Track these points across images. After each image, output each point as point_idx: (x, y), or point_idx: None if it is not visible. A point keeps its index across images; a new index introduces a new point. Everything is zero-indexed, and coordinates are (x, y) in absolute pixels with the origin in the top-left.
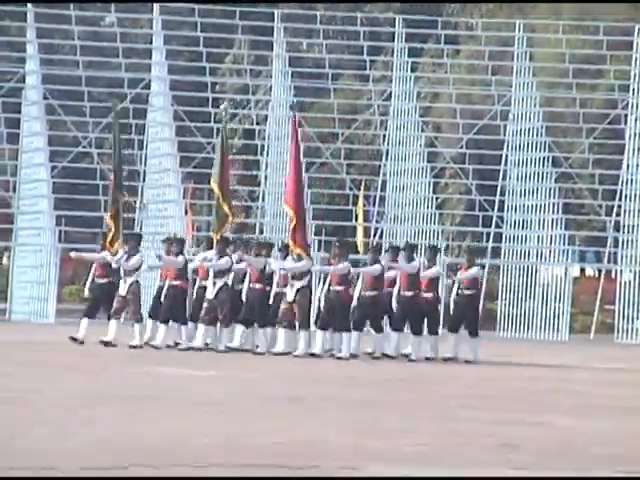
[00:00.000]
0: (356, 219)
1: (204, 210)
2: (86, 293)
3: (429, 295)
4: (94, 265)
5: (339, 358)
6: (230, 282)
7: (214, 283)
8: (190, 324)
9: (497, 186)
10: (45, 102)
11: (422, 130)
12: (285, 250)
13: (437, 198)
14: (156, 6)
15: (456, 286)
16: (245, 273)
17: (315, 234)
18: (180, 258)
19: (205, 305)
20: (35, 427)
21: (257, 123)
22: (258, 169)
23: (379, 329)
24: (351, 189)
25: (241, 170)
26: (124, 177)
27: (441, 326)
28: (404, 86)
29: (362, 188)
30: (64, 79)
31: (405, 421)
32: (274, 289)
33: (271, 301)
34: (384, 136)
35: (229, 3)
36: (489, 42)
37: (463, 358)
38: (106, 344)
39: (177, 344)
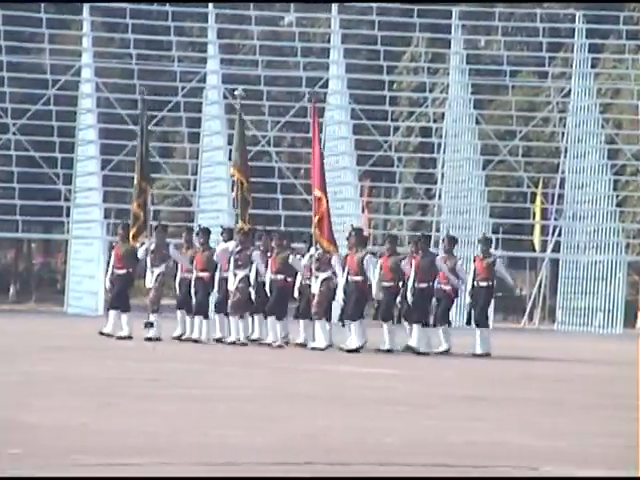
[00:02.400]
0: (534, 217)
1: (381, 208)
2: (107, 285)
3: (447, 287)
4: (112, 256)
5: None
6: (253, 274)
7: (235, 274)
8: (217, 317)
9: None
10: (225, 102)
11: (602, 127)
12: (310, 241)
13: (617, 195)
14: (334, 5)
15: (471, 277)
16: (266, 264)
17: (493, 232)
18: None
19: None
20: (218, 423)
21: (434, 121)
22: (435, 167)
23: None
24: (529, 187)
25: (417, 168)
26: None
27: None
28: (584, 82)
29: (540, 186)
30: (244, 78)
31: (583, 421)
32: (298, 281)
33: (296, 294)
34: (563, 133)
35: (407, 1)
36: None
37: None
38: (150, 339)
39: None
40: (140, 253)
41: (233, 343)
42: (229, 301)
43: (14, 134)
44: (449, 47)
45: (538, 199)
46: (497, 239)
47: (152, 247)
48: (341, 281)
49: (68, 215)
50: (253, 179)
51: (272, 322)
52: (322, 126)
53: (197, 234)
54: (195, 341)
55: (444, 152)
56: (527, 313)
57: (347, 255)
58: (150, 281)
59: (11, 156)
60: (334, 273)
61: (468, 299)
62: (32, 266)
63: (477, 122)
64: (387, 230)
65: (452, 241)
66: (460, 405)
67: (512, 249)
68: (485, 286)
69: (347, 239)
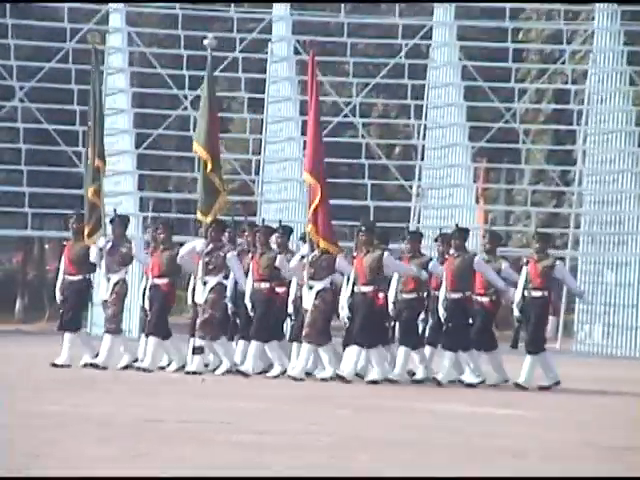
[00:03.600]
0: None
1: (501, 197)
2: (58, 296)
3: (485, 299)
4: (63, 259)
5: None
6: (230, 282)
7: (205, 282)
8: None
9: None
10: (297, 58)
11: None
12: (305, 239)
13: None
14: None
15: (521, 285)
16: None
17: None
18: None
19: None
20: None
21: (573, 81)
22: (573, 142)
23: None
24: None
25: (550, 144)
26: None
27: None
28: None
29: None
30: (321, 28)
31: None
32: (293, 292)
33: (290, 309)
34: None
35: None
36: None
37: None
38: (93, 365)
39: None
40: (92, 255)
41: (194, 373)
42: (198, 319)
43: (21, 101)
44: None
45: None
46: None
47: (108, 246)
48: (345, 291)
49: None
50: (333, 159)
51: (255, 347)
52: (424, 89)
53: (279, 233)
54: (144, 370)
55: (586, 122)
56: None
57: (353, 258)
58: (106, 291)
59: (18, 129)
60: (331, 283)
61: (516, 313)
62: (45, 273)
63: (632, 82)
64: (510, 226)
65: (495, 238)
66: (607, 458)
67: None
68: (539, 297)
69: (356, 236)
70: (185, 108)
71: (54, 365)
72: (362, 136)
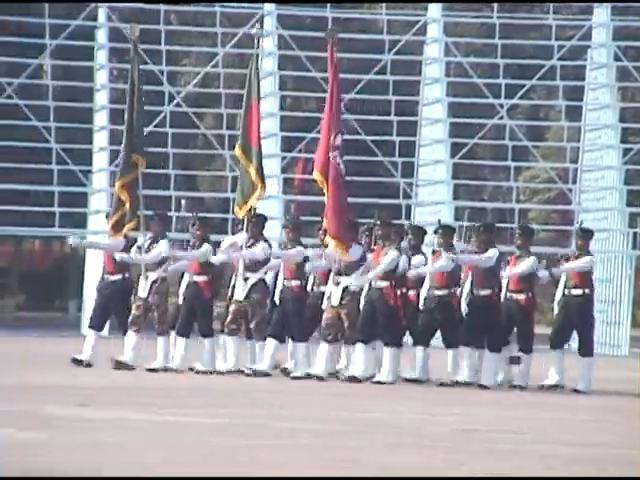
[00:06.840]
0: None
1: None
2: (95, 296)
3: (521, 297)
4: (104, 257)
5: (378, 382)
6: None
7: (246, 279)
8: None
9: None
10: (617, 64)
11: None
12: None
13: None
14: None
15: (562, 284)
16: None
17: None
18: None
19: (232, 308)
20: None
21: None
22: None
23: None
24: None
25: None
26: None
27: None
28: None
29: None
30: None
31: None
32: (309, 288)
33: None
34: None
35: None
36: None
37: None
38: (120, 365)
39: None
40: (132, 253)
41: (254, 374)
42: (250, 322)
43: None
44: None
45: None
46: None
47: (147, 244)
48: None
49: None
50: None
51: (301, 349)
52: None
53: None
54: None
55: None
56: None
57: (372, 251)
58: (144, 290)
59: None
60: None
61: (556, 309)
62: None
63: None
64: None
65: (527, 234)
66: None
67: None
68: (579, 295)
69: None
70: (501, 117)
71: (118, 363)
72: None
